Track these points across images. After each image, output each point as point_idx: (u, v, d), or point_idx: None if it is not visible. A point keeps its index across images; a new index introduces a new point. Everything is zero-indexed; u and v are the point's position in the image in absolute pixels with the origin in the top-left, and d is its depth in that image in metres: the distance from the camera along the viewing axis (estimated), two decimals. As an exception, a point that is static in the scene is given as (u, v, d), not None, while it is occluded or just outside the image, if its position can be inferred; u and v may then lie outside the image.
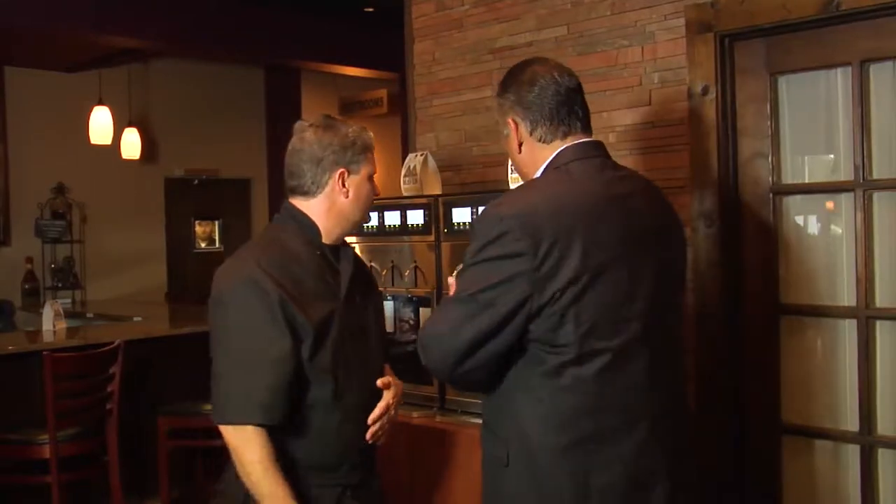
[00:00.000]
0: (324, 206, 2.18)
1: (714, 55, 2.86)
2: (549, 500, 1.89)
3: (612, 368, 1.88)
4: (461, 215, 3.04)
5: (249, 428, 2.00)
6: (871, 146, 2.68)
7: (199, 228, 9.31)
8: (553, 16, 3.31)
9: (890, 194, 2.69)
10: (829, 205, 2.84)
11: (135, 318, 5.70)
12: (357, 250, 3.38)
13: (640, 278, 1.93)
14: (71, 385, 4.00)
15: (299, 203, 2.20)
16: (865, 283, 2.69)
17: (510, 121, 2.06)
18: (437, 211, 3.12)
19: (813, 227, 2.90)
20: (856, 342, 2.72)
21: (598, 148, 2.06)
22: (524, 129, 2.04)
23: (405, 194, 3.41)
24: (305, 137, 2.18)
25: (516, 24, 3.43)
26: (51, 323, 4.98)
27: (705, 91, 2.89)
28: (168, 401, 4.52)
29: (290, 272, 2.09)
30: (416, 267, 3.18)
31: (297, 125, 2.23)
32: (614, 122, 3.11)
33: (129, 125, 7.92)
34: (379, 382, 2.22)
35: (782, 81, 2.86)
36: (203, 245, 9.31)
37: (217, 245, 9.34)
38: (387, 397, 2.22)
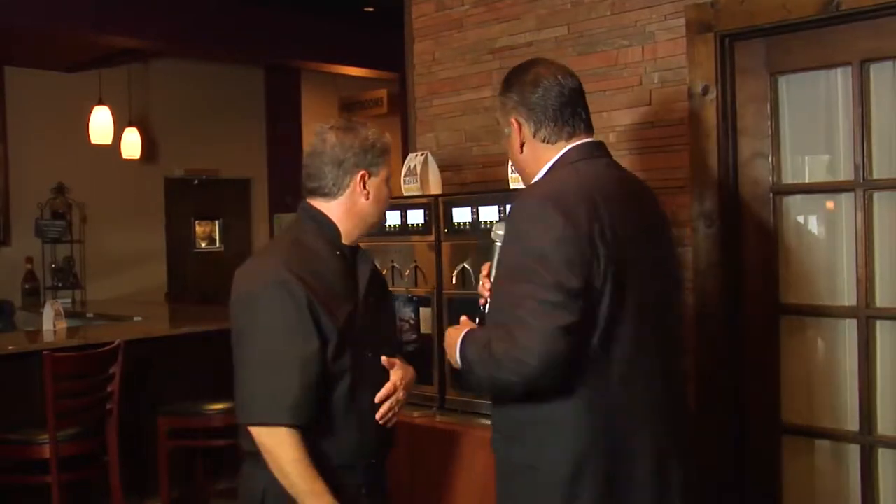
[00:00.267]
0: (344, 208, 2.19)
1: (714, 55, 2.86)
2: (584, 495, 1.89)
3: (631, 366, 1.92)
4: (461, 215, 3.04)
5: (282, 429, 2.01)
6: (872, 146, 2.68)
7: (199, 228, 9.30)
8: (553, 16, 3.31)
9: (890, 194, 2.69)
10: (829, 205, 2.84)
11: (135, 318, 5.70)
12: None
13: (645, 275, 1.95)
14: (71, 385, 4.00)
15: (319, 204, 2.20)
16: (865, 282, 2.69)
17: (513, 121, 2.07)
18: (437, 211, 3.13)
19: (813, 227, 2.90)
20: (856, 342, 2.72)
21: (602, 148, 2.08)
22: (527, 129, 2.05)
23: (405, 194, 3.41)
24: (327, 139, 2.18)
25: (516, 24, 3.43)
26: (51, 323, 4.98)
27: (705, 91, 2.88)
28: (168, 401, 4.52)
29: (315, 273, 2.10)
30: (416, 267, 3.18)
31: (318, 127, 2.24)
32: (614, 122, 3.11)
33: (130, 125, 7.92)
34: (384, 360, 2.20)
35: (782, 81, 2.86)
36: (203, 245, 9.30)
37: (217, 245, 9.34)
38: (393, 377, 2.21)
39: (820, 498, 2.86)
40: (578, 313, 1.80)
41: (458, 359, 1.99)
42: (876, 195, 2.70)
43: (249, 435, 2.06)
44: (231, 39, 7.33)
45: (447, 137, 3.71)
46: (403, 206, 3.24)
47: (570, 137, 2.04)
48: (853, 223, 2.72)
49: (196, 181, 9.12)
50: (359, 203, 2.19)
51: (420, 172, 3.41)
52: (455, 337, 2.01)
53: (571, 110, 2.04)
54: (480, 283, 2.20)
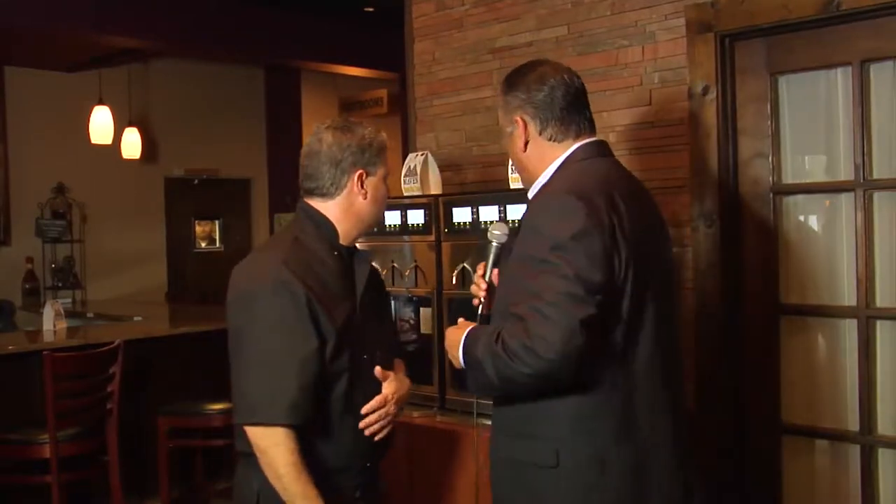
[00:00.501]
0: (342, 208, 2.18)
1: (714, 55, 2.86)
2: (609, 493, 1.89)
3: (652, 362, 1.93)
4: (461, 215, 3.04)
5: (280, 430, 1.99)
6: (872, 146, 2.68)
7: (199, 228, 9.30)
8: (553, 16, 3.31)
9: (890, 194, 2.69)
10: (830, 205, 2.84)
11: (135, 318, 5.70)
12: (357, 250, 3.40)
13: (656, 272, 1.97)
14: (71, 385, 4.00)
15: (316, 204, 2.19)
16: (866, 282, 2.69)
17: (518, 119, 2.05)
18: (437, 211, 3.13)
19: (813, 226, 2.90)
20: (856, 342, 2.72)
21: (607, 147, 2.09)
22: (533, 127, 2.04)
23: (406, 194, 3.41)
24: (323, 139, 2.17)
25: (516, 24, 3.43)
26: (51, 323, 4.98)
27: (705, 91, 2.88)
28: (168, 401, 4.52)
29: (314, 273, 2.09)
30: (416, 267, 3.18)
31: (315, 127, 2.23)
32: (614, 122, 3.10)
33: (130, 125, 7.92)
34: (377, 371, 2.17)
35: (782, 81, 2.86)
36: (203, 245, 9.30)
37: (217, 245, 9.34)
38: (385, 390, 2.18)
39: (820, 498, 2.86)
40: (598, 307, 1.78)
41: (461, 358, 1.97)
42: (876, 195, 2.70)
43: (245, 436, 2.05)
44: (231, 39, 7.33)
45: (447, 137, 3.71)
46: (403, 206, 3.25)
47: (577, 136, 2.04)
48: (853, 223, 2.72)
49: (196, 181, 9.12)
50: (356, 203, 2.18)
51: (420, 172, 3.41)
52: (456, 336, 2.00)
53: (578, 109, 2.04)
54: (475, 283, 2.19)
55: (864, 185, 2.69)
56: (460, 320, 2.10)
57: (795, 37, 2.78)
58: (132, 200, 8.38)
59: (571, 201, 1.85)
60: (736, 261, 2.90)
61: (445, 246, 3.11)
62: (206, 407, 4.41)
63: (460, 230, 3.05)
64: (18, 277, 7.64)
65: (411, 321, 3.30)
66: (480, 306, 2.16)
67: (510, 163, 3.17)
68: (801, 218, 2.90)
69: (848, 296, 2.75)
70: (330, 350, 2.05)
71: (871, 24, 2.63)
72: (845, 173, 2.75)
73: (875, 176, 2.69)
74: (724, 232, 2.88)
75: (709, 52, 2.87)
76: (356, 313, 2.14)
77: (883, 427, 2.70)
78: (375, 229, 3.28)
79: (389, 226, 3.28)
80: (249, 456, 2.06)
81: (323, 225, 2.18)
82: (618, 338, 1.86)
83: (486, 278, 2.16)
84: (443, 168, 3.51)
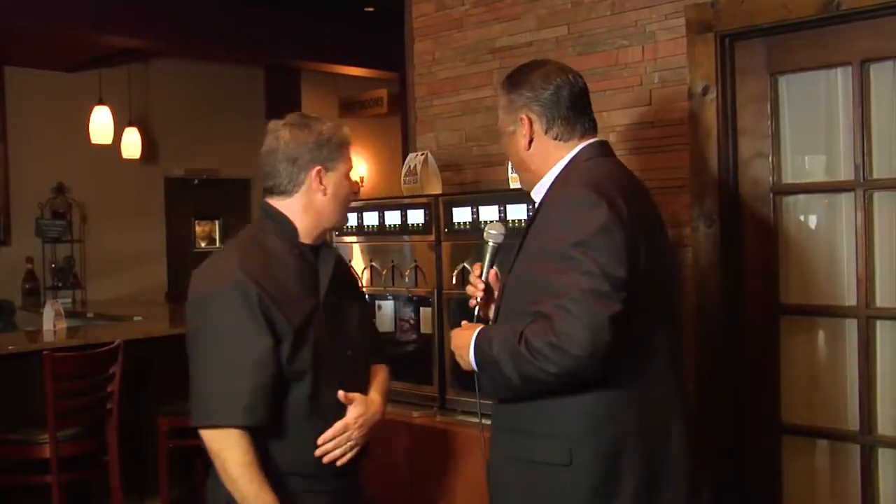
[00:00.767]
0: (301, 205, 2.15)
1: (714, 55, 2.86)
2: (623, 490, 1.87)
3: (664, 360, 1.94)
4: (461, 215, 3.04)
5: (233, 431, 1.97)
6: (872, 146, 2.68)
7: (199, 228, 9.30)
8: (553, 16, 3.31)
9: (890, 194, 2.69)
10: (829, 204, 2.84)
11: (135, 318, 5.69)
12: (357, 250, 3.40)
13: (665, 270, 1.98)
14: (71, 385, 4.00)
15: (277, 203, 2.17)
16: (866, 282, 2.69)
17: (524, 117, 2.04)
18: (437, 211, 3.12)
19: (813, 226, 2.90)
20: (856, 342, 2.72)
21: (610, 148, 2.09)
22: (539, 126, 2.03)
23: (405, 194, 3.41)
24: (280, 136, 2.15)
25: (516, 24, 3.43)
26: (51, 323, 4.98)
27: (705, 91, 2.88)
28: (168, 401, 4.51)
29: (271, 273, 2.07)
30: (416, 267, 3.18)
31: (271, 124, 2.20)
32: (614, 122, 3.10)
33: (130, 125, 7.92)
34: (340, 395, 2.11)
35: (782, 81, 2.86)
36: (203, 245, 9.30)
37: (217, 245, 9.34)
38: (348, 416, 2.12)
39: (820, 498, 2.86)
40: (623, 303, 1.76)
41: (472, 359, 1.94)
42: (876, 195, 2.70)
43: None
44: (231, 39, 7.33)
45: (447, 137, 3.71)
46: (403, 205, 3.25)
47: (581, 136, 2.03)
48: (853, 223, 2.72)
49: (196, 181, 9.12)
50: (316, 200, 2.15)
51: (420, 172, 3.41)
52: (465, 338, 1.97)
53: (582, 109, 2.04)
54: (471, 283, 2.16)
55: (864, 185, 2.69)
56: (464, 323, 2.08)
57: (795, 37, 2.78)
58: (132, 200, 8.38)
59: (593, 197, 1.84)
60: (736, 261, 2.90)
61: (445, 246, 3.11)
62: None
63: (460, 230, 3.05)
64: (18, 277, 7.64)
65: (411, 321, 3.29)
66: (477, 307, 2.14)
67: (510, 163, 3.17)
68: (801, 218, 2.90)
69: (848, 296, 2.75)
70: (287, 350, 2.02)
71: (871, 24, 2.63)
72: (845, 173, 2.75)
73: (875, 176, 2.69)
74: (724, 232, 2.88)
75: (709, 52, 2.87)
76: (319, 311, 2.11)
77: (883, 427, 2.70)
78: (375, 229, 3.33)
79: (389, 225, 3.28)
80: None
81: (283, 223, 2.16)
82: (634, 334, 1.85)
83: (483, 278, 2.16)
84: (443, 168, 3.51)
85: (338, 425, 2.10)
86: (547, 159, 2.04)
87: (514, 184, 3.12)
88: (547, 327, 1.76)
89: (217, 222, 9.37)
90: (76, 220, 8.12)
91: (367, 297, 2.42)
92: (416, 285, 3.18)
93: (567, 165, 2.02)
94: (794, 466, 2.89)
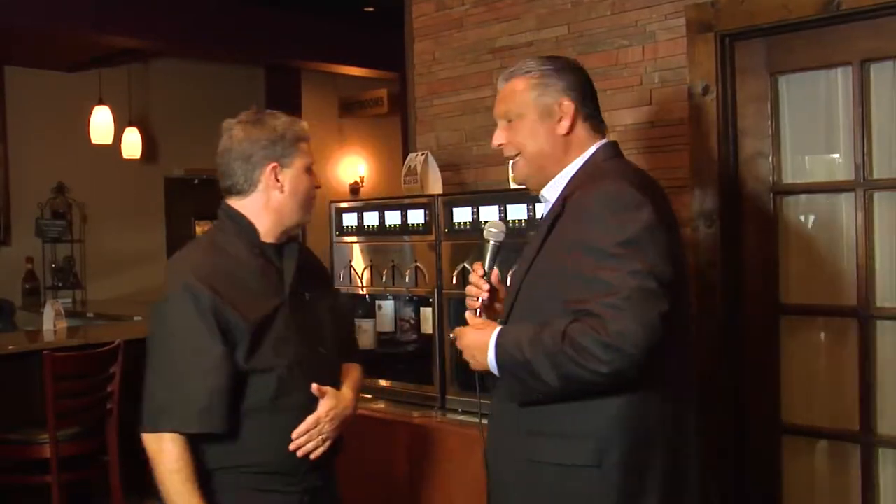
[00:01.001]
0: (259, 204, 2.12)
1: (714, 55, 2.86)
2: (651, 490, 1.86)
3: (686, 359, 1.95)
4: (462, 215, 3.04)
5: (167, 436, 1.96)
6: (872, 146, 2.68)
7: (199, 228, 9.29)
8: (553, 15, 3.31)
9: (890, 194, 2.69)
10: (830, 204, 2.84)
11: (135, 318, 5.69)
12: (357, 250, 3.40)
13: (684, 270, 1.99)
14: (71, 385, 4.00)
15: (235, 203, 2.14)
16: (866, 282, 2.69)
17: (566, 101, 1.98)
18: (437, 211, 3.12)
19: (813, 226, 2.90)
20: (856, 342, 2.72)
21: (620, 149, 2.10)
22: (580, 113, 2.00)
23: (406, 194, 3.41)
24: (234, 135, 2.12)
25: (516, 23, 3.43)
26: (51, 323, 4.98)
27: (706, 91, 2.88)
28: (168, 401, 4.52)
29: (227, 275, 2.04)
30: (416, 266, 3.17)
31: (225, 123, 2.17)
32: (615, 121, 3.10)
33: (130, 125, 7.91)
34: (313, 389, 2.08)
35: (783, 81, 2.86)
36: (203, 245, 9.29)
37: (217, 245, 9.33)
38: (319, 410, 2.09)
39: (820, 498, 2.86)
40: (669, 303, 1.74)
41: (493, 361, 1.87)
42: (876, 195, 2.70)
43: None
44: (231, 39, 7.32)
45: (447, 137, 3.71)
46: (404, 205, 3.25)
47: (603, 133, 2.05)
48: (853, 223, 2.72)
49: (196, 181, 9.10)
50: (274, 197, 2.11)
51: (420, 172, 3.41)
52: (482, 338, 1.90)
53: (598, 106, 2.05)
54: (474, 284, 2.09)
55: (864, 185, 2.69)
56: (472, 320, 2.02)
57: (795, 37, 2.78)
58: (132, 200, 8.37)
59: (637, 195, 1.81)
60: (736, 260, 2.90)
61: (445, 246, 3.11)
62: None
63: (460, 230, 3.05)
64: (18, 277, 7.63)
65: (411, 321, 3.30)
66: (479, 309, 2.08)
67: (511, 162, 3.16)
68: (802, 218, 2.90)
69: (848, 296, 2.75)
70: (244, 351, 2.00)
71: (871, 24, 2.63)
72: (845, 173, 2.75)
73: (875, 176, 2.69)
74: (725, 232, 2.88)
75: (709, 51, 2.87)
76: (283, 310, 2.08)
77: (883, 427, 2.70)
78: (375, 229, 3.32)
79: (390, 225, 3.28)
80: None
81: (242, 224, 2.12)
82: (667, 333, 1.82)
83: (486, 278, 2.12)
84: (443, 168, 3.51)
85: (310, 419, 2.08)
86: (572, 151, 1.99)
87: (515, 183, 3.12)
88: (597, 326, 1.71)
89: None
90: (76, 220, 8.11)
91: (341, 292, 2.38)
92: (416, 285, 3.18)
93: (586, 163, 1.99)
94: (794, 466, 2.89)
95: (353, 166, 9.68)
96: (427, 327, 3.16)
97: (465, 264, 2.98)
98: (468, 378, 2.97)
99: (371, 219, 3.35)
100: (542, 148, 2.01)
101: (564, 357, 1.73)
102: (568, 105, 1.98)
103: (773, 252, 2.87)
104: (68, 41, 6.91)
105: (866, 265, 2.69)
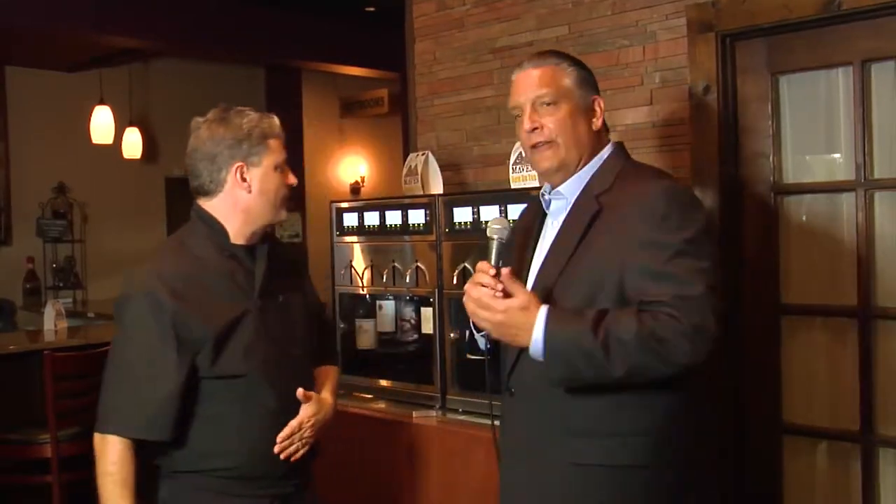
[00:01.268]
0: (227, 205, 2.08)
1: (715, 55, 2.86)
2: (702, 486, 1.88)
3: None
4: (462, 215, 3.04)
5: (110, 438, 1.96)
6: (873, 146, 2.68)
7: (199, 228, 9.29)
8: (553, 15, 3.31)
9: (891, 194, 2.69)
10: (830, 204, 2.84)
11: (135, 318, 5.68)
12: (358, 250, 3.40)
13: None
14: (72, 385, 4.00)
15: (205, 204, 2.10)
16: (867, 282, 2.68)
17: (600, 99, 2.06)
18: (438, 210, 3.12)
19: (814, 226, 2.90)
20: (857, 342, 2.72)
21: None
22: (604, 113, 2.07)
23: (406, 194, 3.41)
24: (199, 135, 2.10)
25: (517, 23, 3.43)
26: (52, 322, 4.98)
27: (706, 91, 2.88)
28: (168, 400, 4.52)
29: (193, 279, 2.01)
30: (417, 266, 3.17)
31: (193, 122, 2.14)
32: (615, 121, 3.10)
33: (130, 125, 7.92)
34: (299, 394, 2.07)
35: (783, 81, 2.86)
36: (203, 245, 9.29)
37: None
38: (301, 414, 2.08)
39: (820, 498, 2.86)
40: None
41: (541, 344, 1.76)
42: (877, 195, 2.70)
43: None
44: (231, 39, 7.32)
45: (448, 137, 3.71)
46: (404, 205, 3.25)
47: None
48: (854, 223, 2.71)
49: (196, 181, 9.11)
50: (241, 198, 2.07)
51: (421, 172, 3.41)
52: (524, 318, 1.77)
53: None
54: (483, 283, 1.92)
55: (864, 185, 2.69)
56: (505, 289, 1.82)
57: (796, 37, 2.78)
58: (133, 200, 8.38)
59: (694, 196, 1.90)
60: (736, 260, 2.90)
61: (446, 246, 3.11)
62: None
63: (461, 230, 3.05)
64: (19, 277, 7.63)
65: (412, 321, 3.30)
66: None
67: (511, 162, 3.17)
68: (802, 218, 2.90)
69: (849, 296, 2.75)
70: (208, 354, 1.97)
71: (871, 24, 2.63)
72: (846, 173, 2.75)
73: (876, 176, 2.68)
74: (725, 232, 2.88)
75: (710, 51, 2.87)
76: (252, 313, 2.04)
77: (883, 427, 2.70)
78: (376, 229, 3.32)
79: (390, 225, 3.28)
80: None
81: (212, 226, 2.09)
82: None
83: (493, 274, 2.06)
84: (443, 168, 3.51)
85: (293, 423, 2.07)
86: (596, 149, 2.03)
87: (515, 183, 3.13)
88: (676, 318, 1.71)
89: (217, 222, 9.36)
90: (77, 219, 8.12)
91: (315, 291, 2.34)
92: (416, 285, 3.18)
93: (605, 162, 2.00)
94: (794, 466, 2.89)
95: (353, 166, 9.68)
96: (428, 327, 3.16)
97: (466, 264, 2.98)
98: (468, 378, 2.98)
99: (372, 219, 3.35)
100: (580, 139, 2.00)
101: (642, 347, 1.71)
102: (601, 103, 2.05)
103: (774, 252, 2.87)
104: (68, 41, 6.91)
105: (867, 265, 2.69)
